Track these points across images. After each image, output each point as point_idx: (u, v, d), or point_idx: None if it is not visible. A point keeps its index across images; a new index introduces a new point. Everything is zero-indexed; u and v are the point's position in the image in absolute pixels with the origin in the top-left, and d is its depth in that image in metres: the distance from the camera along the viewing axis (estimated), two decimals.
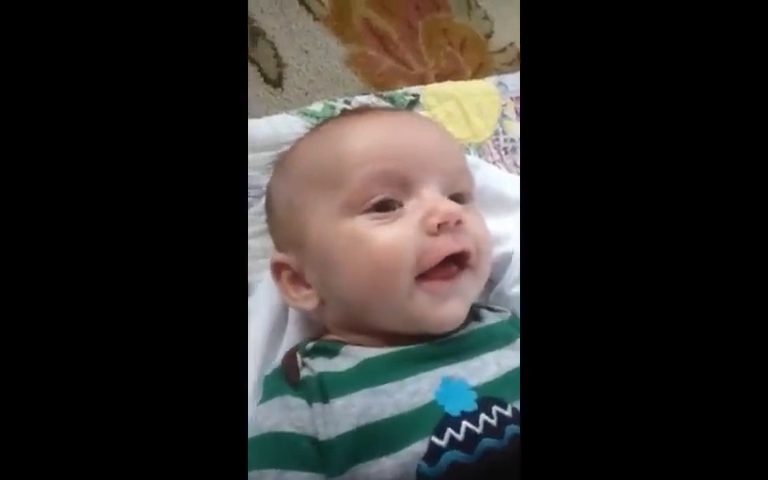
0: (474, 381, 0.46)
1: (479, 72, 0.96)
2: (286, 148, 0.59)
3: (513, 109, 0.77)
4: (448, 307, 0.49)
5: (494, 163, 0.73)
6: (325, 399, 0.45)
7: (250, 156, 0.61)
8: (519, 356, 0.49)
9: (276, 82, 0.87)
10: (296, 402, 0.46)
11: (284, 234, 0.55)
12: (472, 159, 0.70)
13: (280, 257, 0.54)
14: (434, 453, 0.42)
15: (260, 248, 0.60)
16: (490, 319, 0.54)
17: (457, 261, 0.49)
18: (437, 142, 0.54)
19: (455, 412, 0.44)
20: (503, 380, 0.47)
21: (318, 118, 0.67)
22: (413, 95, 0.74)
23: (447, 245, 0.48)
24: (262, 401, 0.49)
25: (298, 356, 0.50)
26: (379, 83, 0.90)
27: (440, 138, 0.55)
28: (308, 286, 0.53)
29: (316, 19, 0.92)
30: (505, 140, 0.75)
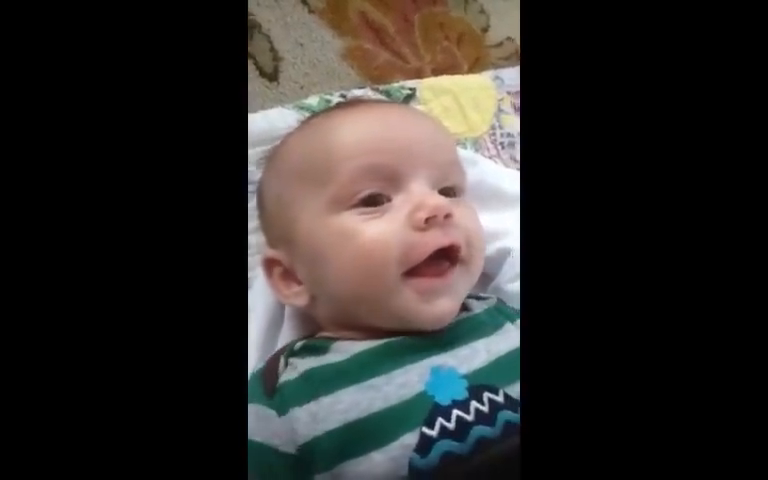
0: (464, 369, 0.46)
1: (476, 66, 0.95)
2: (280, 142, 0.59)
3: (510, 103, 0.77)
4: (438, 305, 0.48)
5: (491, 158, 0.73)
6: (309, 398, 0.45)
7: None
8: (508, 342, 0.49)
9: (272, 76, 0.87)
10: (265, 412, 0.46)
11: (274, 230, 0.55)
12: (468, 154, 0.70)
13: (271, 253, 0.54)
14: (425, 444, 0.42)
15: (255, 244, 0.60)
16: (477, 307, 0.54)
17: (448, 256, 0.49)
18: (426, 135, 0.53)
19: (445, 401, 0.44)
20: (493, 366, 0.47)
21: (314, 112, 0.67)
22: (410, 89, 0.74)
23: (435, 239, 0.47)
24: None
25: (282, 360, 0.49)
26: (375, 77, 0.90)
27: (430, 131, 0.54)
28: (299, 282, 0.52)
29: (311, 12, 0.91)
30: (502, 135, 0.75)
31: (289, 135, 0.57)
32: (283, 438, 0.45)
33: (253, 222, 0.60)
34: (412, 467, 0.42)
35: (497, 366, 0.47)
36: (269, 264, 0.54)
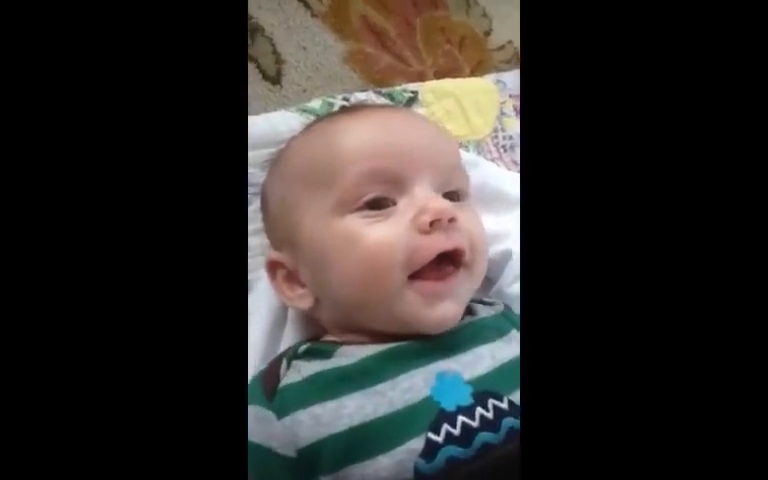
0: (469, 375, 0.46)
1: (478, 70, 0.95)
2: (284, 146, 0.59)
3: (512, 106, 0.77)
4: (441, 308, 0.48)
5: (493, 160, 0.73)
6: (314, 402, 0.45)
7: (248, 153, 0.61)
8: (513, 349, 0.49)
9: (274, 79, 0.87)
10: (264, 414, 0.46)
11: (278, 233, 0.55)
12: (471, 156, 0.70)
13: (275, 256, 0.54)
14: (431, 449, 0.42)
15: (259, 246, 0.60)
16: (483, 313, 0.54)
17: (452, 260, 0.49)
18: (430, 139, 0.53)
19: (451, 407, 0.44)
20: (498, 373, 0.47)
21: (316, 115, 0.67)
22: (412, 92, 0.74)
23: (439, 243, 0.48)
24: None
25: (284, 362, 0.49)
26: (377, 80, 0.90)
27: (433, 135, 0.55)
28: (303, 285, 0.52)
29: (314, 15, 0.91)
30: (504, 137, 0.75)
31: (293, 139, 0.57)
32: (282, 440, 0.45)
33: (256, 224, 0.60)
34: (417, 471, 0.42)
35: (501, 373, 0.47)
36: (273, 266, 0.54)
